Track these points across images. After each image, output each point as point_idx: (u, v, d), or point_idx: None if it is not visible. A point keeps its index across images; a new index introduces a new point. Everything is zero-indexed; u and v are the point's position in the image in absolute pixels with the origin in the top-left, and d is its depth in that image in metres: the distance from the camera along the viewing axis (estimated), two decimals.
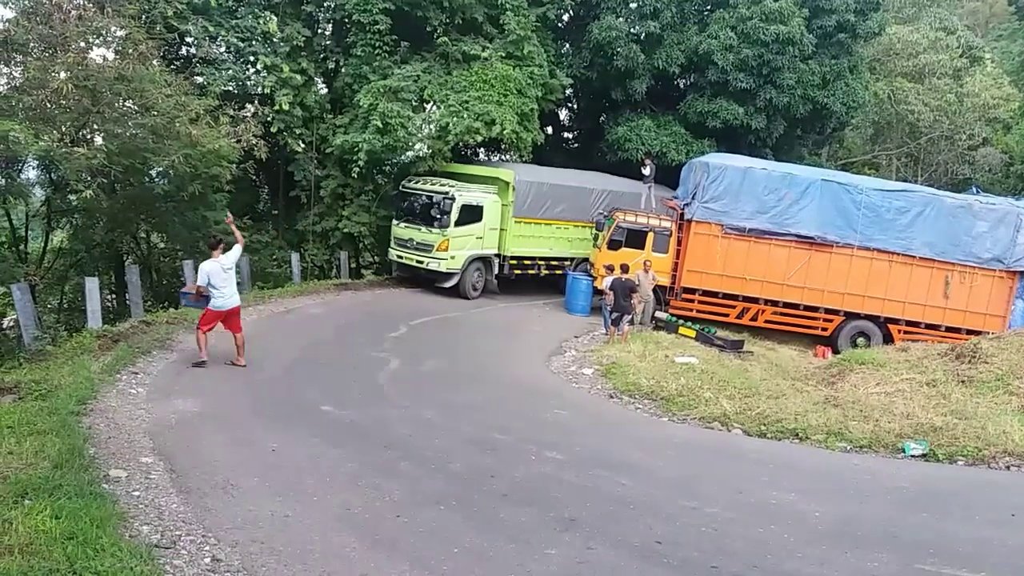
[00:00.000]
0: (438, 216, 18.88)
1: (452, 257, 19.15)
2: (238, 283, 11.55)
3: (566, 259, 21.83)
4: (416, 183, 19.89)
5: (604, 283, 16.49)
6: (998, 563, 6.56)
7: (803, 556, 6.42)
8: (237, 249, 11.32)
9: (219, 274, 10.83)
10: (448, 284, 19.33)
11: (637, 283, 16.30)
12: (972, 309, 18.86)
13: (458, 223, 18.96)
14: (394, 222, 20.08)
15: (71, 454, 6.75)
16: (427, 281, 19.82)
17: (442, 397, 10.86)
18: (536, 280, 21.43)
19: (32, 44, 13.21)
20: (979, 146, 34.01)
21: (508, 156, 24.99)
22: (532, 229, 20.89)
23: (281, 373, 11.05)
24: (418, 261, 19.33)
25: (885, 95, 32.31)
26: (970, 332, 17.72)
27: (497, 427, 9.53)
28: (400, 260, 19.89)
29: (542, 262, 21.39)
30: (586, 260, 21.48)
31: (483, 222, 19.59)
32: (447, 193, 19.00)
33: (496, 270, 20.38)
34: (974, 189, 22.52)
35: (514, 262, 20.67)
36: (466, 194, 19.28)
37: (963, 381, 12.56)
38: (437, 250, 18.97)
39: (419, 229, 19.32)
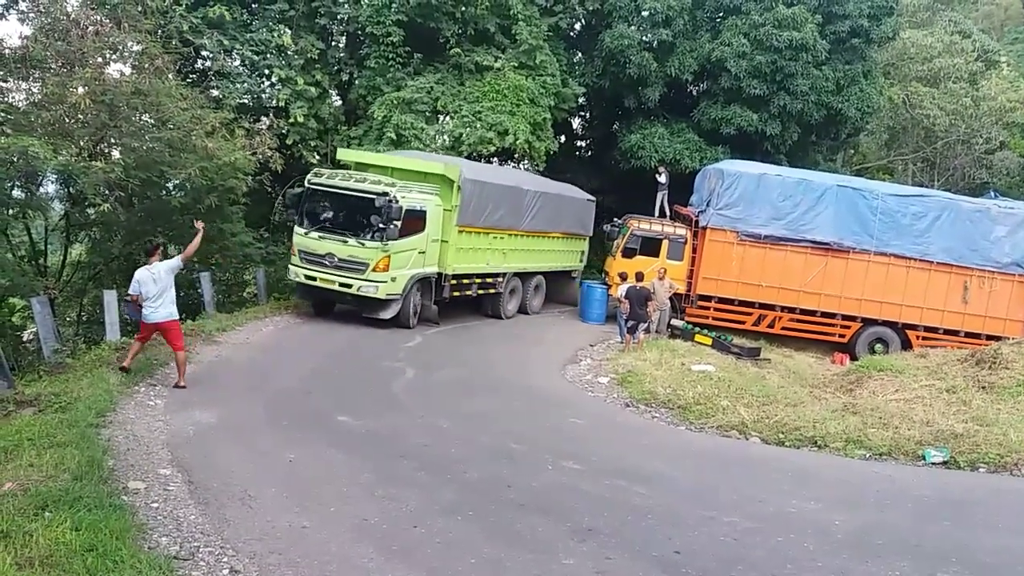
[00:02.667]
0: (374, 224, 14.64)
1: (393, 279, 14.96)
2: (186, 297, 10.76)
3: (499, 275, 18.36)
4: (334, 178, 15.48)
5: (619, 291, 16.45)
6: (1022, 572, 6.48)
7: (823, 565, 6.36)
8: (176, 260, 10.55)
9: (148, 282, 10.17)
10: (386, 314, 15.19)
11: (652, 291, 16.26)
12: (991, 314, 18.67)
13: (401, 234, 14.82)
14: (297, 230, 15.54)
15: (90, 466, 6.79)
16: (344, 310, 15.97)
17: (458, 406, 10.86)
18: (469, 301, 18.00)
19: (51, 60, 13.39)
20: (996, 150, 33.72)
21: (523, 166, 25.01)
22: (473, 240, 17.26)
23: (297, 383, 11.08)
24: (343, 284, 14.89)
25: (900, 100, 32.10)
26: (990, 337, 17.56)
27: (513, 436, 9.51)
28: (310, 283, 15.29)
29: (478, 280, 17.74)
30: (517, 276, 19.09)
31: (426, 232, 15.54)
32: (387, 194, 14.56)
33: (434, 292, 16.46)
34: (992, 193, 22.37)
35: (454, 282, 16.85)
36: (409, 195, 15.15)
37: (984, 387, 12.45)
38: (374, 270, 14.72)
39: (343, 241, 14.94)
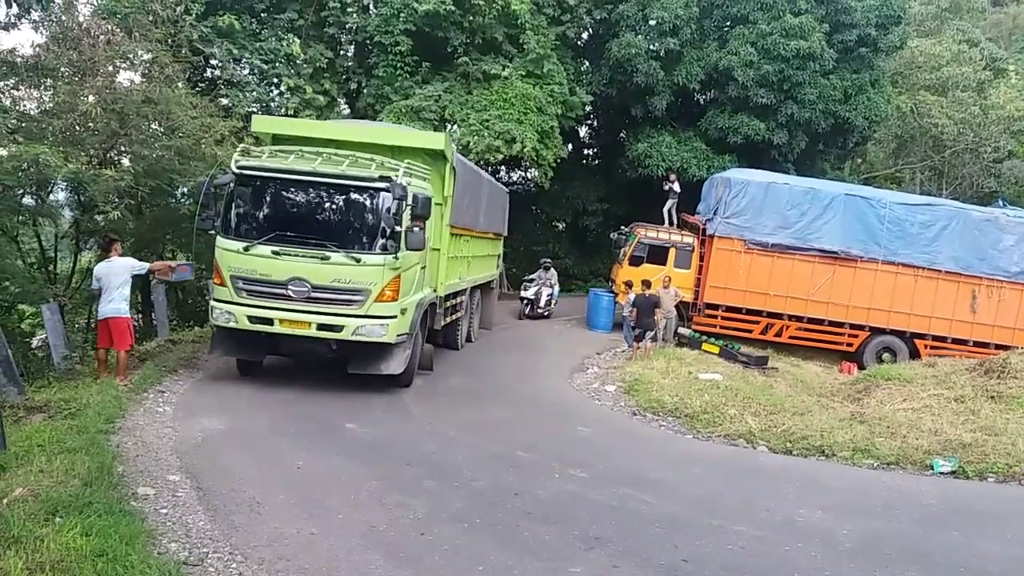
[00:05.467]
0: (369, 227, 10.41)
1: (403, 311, 10.76)
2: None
3: (462, 292, 14.96)
4: (284, 160, 10.56)
5: (627, 299, 16.49)
6: None
7: (831, 575, 6.35)
8: (140, 265, 10.81)
9: (106, 277, 10.40)
10: (392, 367, 10.83)
11: (659, 299, 16.27)
12: (1000, 323, 18.61)
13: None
14: (223, 244, 10.47)
15: (100, 472, 6.82)
16: (308, 361, 11.82)
17: (465, 414, 10.87)
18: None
19: (62, 69, 13.48)
20: (1005, 158, 33.64)
21: (531, 174, 25.05)
22: (458, 246, 13.84)
23: (305, 390, 11.11)
24: (325, 328, 10.32)
25: (908, 108, 32.08)
26: (999, 347, 17.49)
27: (520, 444, 9.52)
28: (260, 329, 10.42)
29: (454, 301, 14.36)
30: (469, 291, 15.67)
31: (426, 236, 11.32)
32: (390, 179, 10.24)
33: (429, 324, 12.57)
34: (1000, 202, 22.28)
35: (447, 305, 13.55)
36: (415, 180, 11.00)
37: (992, 397, 12.40)
38: (379, 299, 10.34)
39: (322, 258, 10.22)
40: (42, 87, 13.75)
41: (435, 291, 12.61)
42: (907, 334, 18.82)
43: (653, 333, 15.86)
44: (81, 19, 13.94)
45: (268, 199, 10.76)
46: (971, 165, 33.97)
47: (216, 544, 6.04)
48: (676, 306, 18.01)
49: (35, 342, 15.89)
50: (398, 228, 10.41)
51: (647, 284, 16.33)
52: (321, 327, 10.41)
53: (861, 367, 18.06)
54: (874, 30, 23.99)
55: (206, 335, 13.30)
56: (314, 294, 10.29)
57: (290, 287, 10.28)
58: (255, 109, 19.92)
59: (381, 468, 8.17)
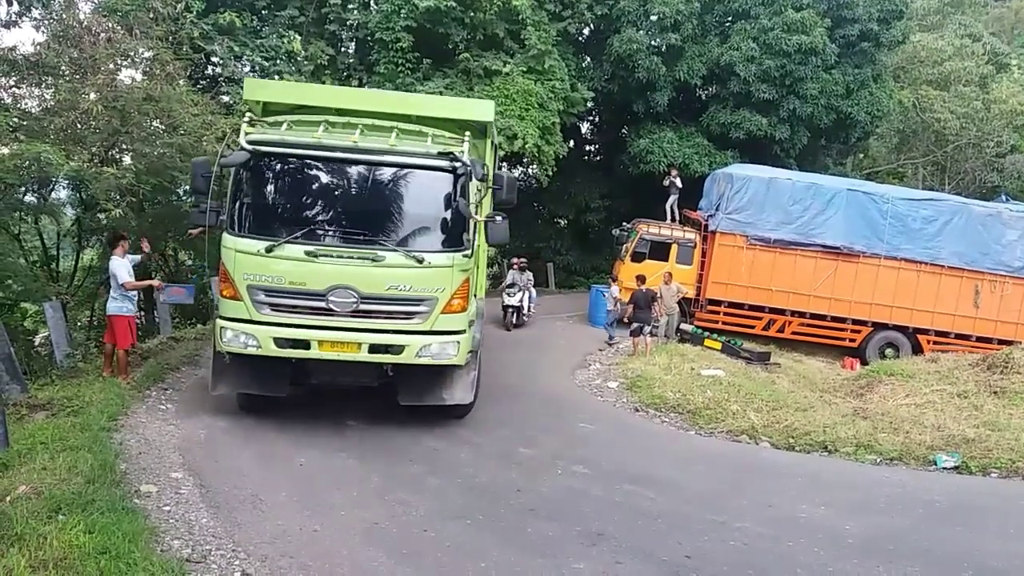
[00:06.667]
0: (431, 218, 8.64)
1: (470, 323, 9.04)
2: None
3: None
4: (318, 131, 8.42)
5: (612, 291, 16.80)
6: None
7: (834, 571, 6.34)
8: (125, 275, 10.40)
9: (109, 273, 10.29)
10: (457, 395, 9.12)
11: (659, 295, 16.28)
12: (1003, 318, 18.60)
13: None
14: (235, 245, 8.34)
15: (103, 469, 6.85)
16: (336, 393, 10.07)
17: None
18: None
19: (63, 67, 13.48)
20: (1007, 153, 33.54)
21: (532, 170, 25.03)
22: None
23: (308, 388, 11.09)
24: (377, 349, 8.42)
25: (910, 103, 32.00)
26: (1002, 342, 17.45)
27: (523, 441, 9.51)
28: (294, 353, 8.47)
29: None
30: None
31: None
32: (452, 155, 8.43)
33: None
34: (1003, 197, 22.29)
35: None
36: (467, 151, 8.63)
37: (995, 392, 12.38)
38: (446, 309, 8.47)
39: (372, 259, 8.26)
40: (43, 85, 13.77)
41: (476, 296, 10.21)
42: (910, 329, 18.80)
43: (650, 328, 15.85)
44: (82, 17, 13.94)
45: (294, 184, 8.66)
46: (974, 160, 33.89)
47: (219, 541, 6.06)
48: (678, 302, 17.99)
49: (38, 340, 15.91)
50: (477, 217, 8.68)
51: (642, 279, 16.34)
52: (374, 349, 8.36)
53: (864, 363, 18.06)
54: (876, 25, 23.93)
55: (209, 332, 13.27)
56: (363, 306, 8.24)
57: (331, 298, 8.20)
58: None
59: (383, 465, 8.17)
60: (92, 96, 12.93)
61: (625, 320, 16.30)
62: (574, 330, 19.15)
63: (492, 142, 10.07)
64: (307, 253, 8.18)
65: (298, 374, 8.91)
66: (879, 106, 25.02)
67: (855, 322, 18.87)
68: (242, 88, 18.40)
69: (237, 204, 8.45)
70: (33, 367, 12.33)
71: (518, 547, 6.37)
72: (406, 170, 8.53)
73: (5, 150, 12.20)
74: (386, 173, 8.55)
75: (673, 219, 21.45)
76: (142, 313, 19.20)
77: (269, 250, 8.18)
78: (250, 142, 8.31)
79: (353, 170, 8.54)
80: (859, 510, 7.92)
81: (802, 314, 18.88)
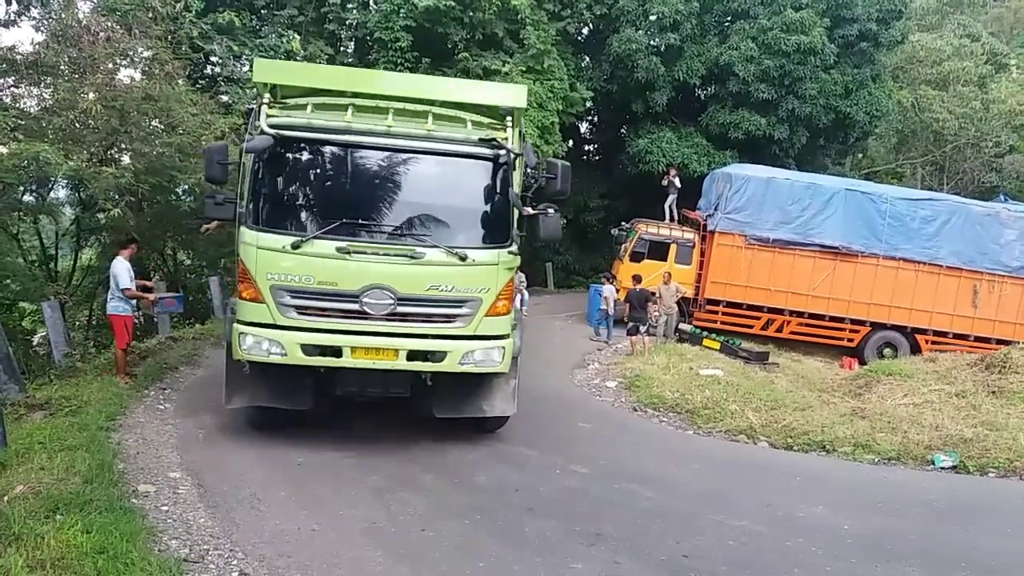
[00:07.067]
0: (471, 210, 8.04)
1: (514, 326, 8.38)
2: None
3: None
4: (346, 114, 7.69)
5: (604, 291, 16.98)
6: None
7: (832, 570, 6.34)
8: (126, 279, 10.39)
9: (112, 274, 10.31)
10: (498, 407, 8.64)
11: (658, 295, 16.30)
12: (1001, 318, 18.63)
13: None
14: (268, 240, 7.53)
15: (101, 469, 6.84)
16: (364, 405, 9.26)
17: None
18: None
19: (62, 66, 13.47)
20: (1006, 153, 33.61)
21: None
22: None
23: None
24: (416, 356, 7.72)
25: (909, 103, 32.05)
26: (1000, 342, 17.47)
27: (521, 440, 9.50)
28: (321, 360, 7.66)
29: None
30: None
31: None
32: (495, 142, 7.81)
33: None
34: (1002, 197, 22.31)
35: None
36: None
37: (993, 392, 12.38)
38: (490, 312, 7.85)
39: (410, 255, 7.59)
40: (42, 84, 13.76)
41: None
42: (908, 329, 18.82)
43: (647, 327, 15.87)
44: (81, 16, 13.92)
45: (321, 173, 7.99)
46: (972, 160, 33.94)
47: (217, 541, 6.05)
48: (677, 302, 18.01)
49: (36, 340, 15.93)
50: (528, 210, 8.12)
51: (637, 279, 16.36)
52: (412, 356, 7.70)
53: (862, 362, 18.07)
54: (875, 25, 23.97)
55: (207, 332, 13.28)
56: (400, 308, 7.60)
57: (365, 299, 7.51)
58: (255, 106, 19.93)
59: (382, 464, 8.17)
60: (91, 96, 12.92)
61: (623, 320, 16.33)
62: (573, 330, 19.15)
63: (520, 131, 8.94)
64: (338, 250, 7.46)
65: (319, 385, 8.21)
66: (878, 106, 25.06)
67: (853, 322, 18.89)
68: (241, 88, 18.58)
69: (258, 195, 7.69)
70: (31, 367, 12.35)
71: (516, 546, 6.37)
72: (446, 158, 7.87)
73: (4, 150, 12.19)
74: (424, 161, 7.91)
75: (672, 219, 21.46)
76: (139, 313, 19.24)
77: (296, 246, 7.46)
78: (272, 126, 7.55)
79: (387, 158, 7.88)
80: (857, 509, 7.93)
81: (800, 314, 18.90)
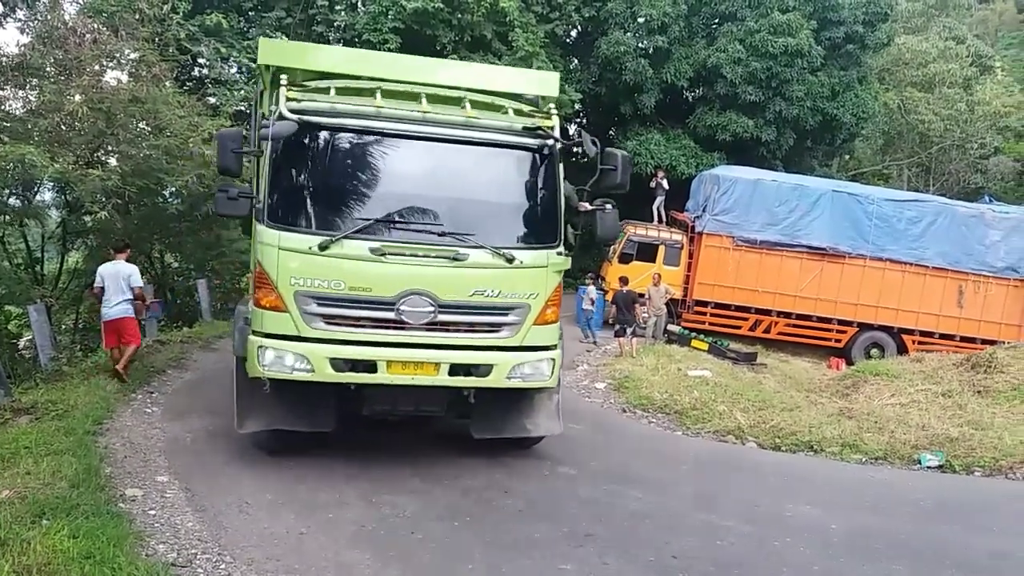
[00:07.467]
0: (517, 207, 7.60)
1: (560, 337, 7.68)
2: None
3: None
4: (375, 99, 6.85)
5: (589, 292, 17.24)
6: (1018, 575, 6.50)
7: (820, 569, 6.38)
8: (138, 280, 10.54)
9: (110, 277, 10.27)
10: (543, 424, 8.11)
11: (647, 297, 16.35)
12: (987, 318, 18.78)
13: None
14: (292, 240, 6.70)
15: (88, 474, 6.80)
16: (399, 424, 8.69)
17: None
18: None
19: (48, 68, 13.41)
20: (991, 155, 33.91)
21: None
22: None
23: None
24: (458, 370, 7.02)
25: (895, 105, 32.27)
26: (985, 342, 17.61)
27: (510, 441, 9.48)
28: (354, 377, 6.90)
29: None
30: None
31: None
32: (540, 131, 7.30)
33: None
34: (987, 198, 22.47)
35: None
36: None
37: (979, 391, 12.48)
38: (538, 320, 7.20)
39: (454, 257, 6.83)
40: (28, 86, 13.68)
41: None
42: (895, 330, 18.94)
43: (633, 328, 15.91)
44: (67, 18, 13.87)
45: (349, 164, 7.12)
46: (958, 161, 34.21)
47: (205, 545, 6.02)
48: (666, 303, 18.05)
49: (22, 343, 15.82)
50: (584, 205, 7.56)
51: (624, 281, 16.40)
52: (455, 370, 6.97)
53: (849, 363, 18.17)
54: (861, 27, 24.11)
55: (195, 335, 13.22)
56: (441, 316, 6.84)
57: (403, 307, 6.75)
58: (243, 107, 19.86)
59: (370, 467, 8.14)
60: (77, 98, 12.86)
61: (609, 321, 16.37)
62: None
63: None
64: (372, 251, 6.67)
65: (343, 402, 7.39)
66: (864, 108, 25.20)
67: (841, 322, 18.99)
68: (229, 90, 18.54)
69: (278, 189, 6.84)
70: (17, 370, 12.27)
71: (505, 548, 6.38)
72: (488, 148, 7.13)
73: None
74: (463, 153, 7.09)
75: (660, 220, 21.51)
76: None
77: (324, 247, 6.62)
78: (294, 111, 6.62)
79: (424, 148, 7.07)
80: (845, 509, 7.97)
81: (788, 315, 18.99)
